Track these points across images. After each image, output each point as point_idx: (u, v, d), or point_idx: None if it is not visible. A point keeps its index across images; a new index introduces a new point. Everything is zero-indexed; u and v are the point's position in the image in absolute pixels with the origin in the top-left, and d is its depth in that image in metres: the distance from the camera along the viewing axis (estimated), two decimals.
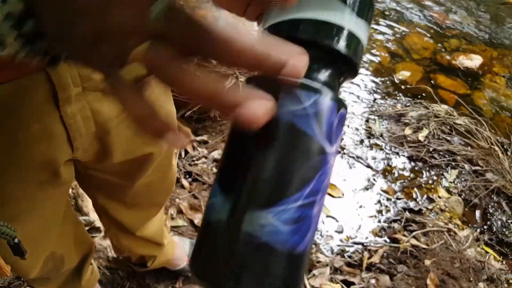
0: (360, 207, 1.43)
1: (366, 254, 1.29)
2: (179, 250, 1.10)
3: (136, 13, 0.18)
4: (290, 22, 0.23)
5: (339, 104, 0.22)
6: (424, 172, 1.58)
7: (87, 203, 1.21)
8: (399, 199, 1.48)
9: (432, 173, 1.57)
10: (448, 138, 1.67)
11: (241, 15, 0.34)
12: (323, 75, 0.23)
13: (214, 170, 1.43)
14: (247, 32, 0.18)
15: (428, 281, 1.23)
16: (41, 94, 0.42)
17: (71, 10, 0.18)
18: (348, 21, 0.23)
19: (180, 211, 1.30)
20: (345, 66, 0.24)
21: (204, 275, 0.22)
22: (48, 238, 0.64)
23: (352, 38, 0.23)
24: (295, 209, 0.21)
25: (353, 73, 0.25)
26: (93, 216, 1.20)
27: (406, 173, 1.56)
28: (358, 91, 1.86)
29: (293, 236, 0.21)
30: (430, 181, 1.55)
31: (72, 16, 0.18)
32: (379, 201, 1.46)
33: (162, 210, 0.93)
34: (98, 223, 1.19)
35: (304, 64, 0.19)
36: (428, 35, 2.28)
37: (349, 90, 1.85)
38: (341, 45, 0.22)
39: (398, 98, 1.86)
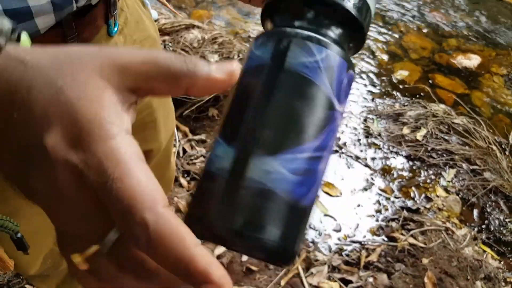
0: (358, 206, 1.44)
1: (364, 252, 1.29)
2: None
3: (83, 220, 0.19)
4: None
5: (349, 64, 0.23)
6: (422, 171, 1.58)
7: None
8: (397, 198, 1.48)
9: (430, 172, 1.58)
10: (446, 137, 1.68)
11: (247, 2, 0.35)
12: (334, 32, 0.24)
13: None
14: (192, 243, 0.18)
15: (426, 280, 1.23)
16: None
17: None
18: None
19: (178, 210, 1.31)
20: (353, 29, 0.24)
21: (200, 224, 0.21)
22: (48, 234, 0.64)
23: (363, 3, 0.24)
24: (303, 160, 0.21)
25: (361, 40, 0.26)
26: None
27: (404, 173, 1.57)
28: (357, 90, 1.87)
29: (298, 187, 0.21)
30: (428, 180, 1.55)
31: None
32: (377, 200, 1.46)
33: None
34: None
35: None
36: (427, 34, 2.29)
37: None
38: (352, 5, 0.23)
39: (396, 97, 1.86)
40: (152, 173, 0.19)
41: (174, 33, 1.49)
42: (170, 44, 1.44)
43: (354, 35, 0.25)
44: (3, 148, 0.20)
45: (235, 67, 0.22)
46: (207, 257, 0.17)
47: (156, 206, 0.17)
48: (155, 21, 0.64)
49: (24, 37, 0.22)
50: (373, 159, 1.59)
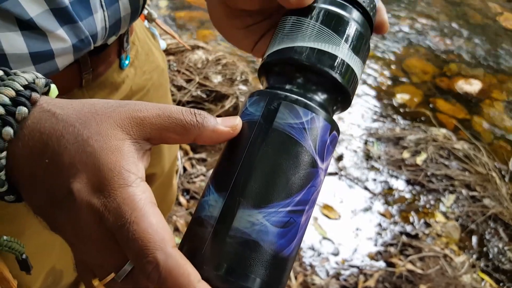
0: (357, 229, 1.44)
1: (361, 277, 1.29)
2: None
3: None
4: (292, 48, 0.26)
5: (333, 126, 0.25)
6: (421, 196, 1.58)
7: None
8: (396, 222, 1.48)
9: (430, 197, 1.58)
10: (446, 162, 1.68)
11: (250, 52, 0.37)
12: (321, 97, 0.26)
13: None
14: None
15: None
16: None
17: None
18: (346, 55, 0.26)
19: (176, 229, 1.31)
20: (339, 95, 0.27)
21: (192, 263, 0.23)
22: (51, 252, 0.65)
23: (348, 70, 0.26)
24: (285, 213, 0.23)
25: (346, 103, 0.28)
26: None
27: (404, 197, 1.57)
28: (358, 113, 1.88)
29: (280, 239, 0.23)
30: (428, 206, 1.55)
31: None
32: (376, 224, 1.46)
33: None
34: None
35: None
36: (428, 59, 2.32)
37: (348, 111, 1.87)
38: (339, 74, 0.25)
39: (397, 121, 1.88)
40: (162, 216, 0.22)
41: (179, 54, 1.52)
42: (174, 64, 1.47)
43: (340, 100, 0.27)
44: (36, 189, 0.23)
45: (238, 122, 0.25)
46: None
47: (166, 247, 0.20)
48: (164, 51, 0.66)
49: (53, 87, 0.26)
50: (372, 182, 1.60)
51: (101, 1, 0.37)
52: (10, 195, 0.24)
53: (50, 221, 0.23)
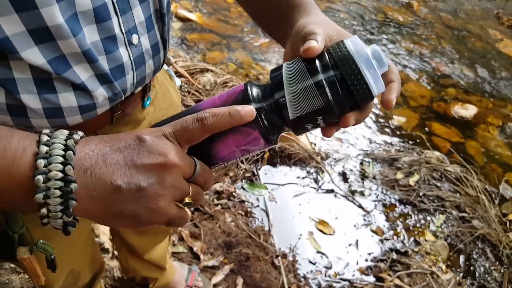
0: (350, 245, 1.53)
1: None
2: (178, 274, 1.21)
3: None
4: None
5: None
6: (413, 215, 1.67)
7: (99, 226, 1.34)
8: (387, 239, 1.57)
9: (421, 216, 1.67)
10: (438, 184, 1.77)
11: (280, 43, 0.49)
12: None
13: (216, 201, 1.55)
14: None
15: None
16: None
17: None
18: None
19: (181, 238, 1.41)
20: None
21: None
22: (73, 254, 0.76)
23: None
24: None
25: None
26: (103, 238, 1.32)
27: (396, 215, 1.66)
28: (355, 134, 1.99)
29: None
30: (418, 225, 1.64)
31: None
32: (368, 241, 1.55)
33: (167, 237, 1.05)
34: (107, 245, 1.31)
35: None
36: (427, 83, 2.42)
37: (346, 132, 1.98)
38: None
39: (392, 143, 1.98)
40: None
41: (189, 75, 1.64)
42: (185, 85, 1.59)
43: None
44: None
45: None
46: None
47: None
48: (179, 88, 0.79)
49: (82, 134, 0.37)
50: (367, 200, 1.69)
51: (132, 65, 0.49)
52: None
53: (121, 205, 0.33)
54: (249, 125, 0.35)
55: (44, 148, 0.31)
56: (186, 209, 0.36)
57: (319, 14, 0.46)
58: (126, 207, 0.32)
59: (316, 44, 0.35)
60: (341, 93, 0.34)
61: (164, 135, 0.34)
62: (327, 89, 0.34)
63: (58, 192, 0.30)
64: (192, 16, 2.55)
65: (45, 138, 0.32)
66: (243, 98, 0.36)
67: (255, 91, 0.37)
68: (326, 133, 0.39)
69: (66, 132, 0.33)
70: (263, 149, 0.38)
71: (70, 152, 0.31)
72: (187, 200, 0.35)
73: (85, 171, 0.32)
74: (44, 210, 0.31)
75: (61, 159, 0.31)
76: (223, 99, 0.37)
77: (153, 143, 0.33)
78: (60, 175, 0.30)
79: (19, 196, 0.31)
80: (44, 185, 0.30)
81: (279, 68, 0.37)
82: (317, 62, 0.35)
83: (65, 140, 0.32)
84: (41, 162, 0.30)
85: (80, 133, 0.34)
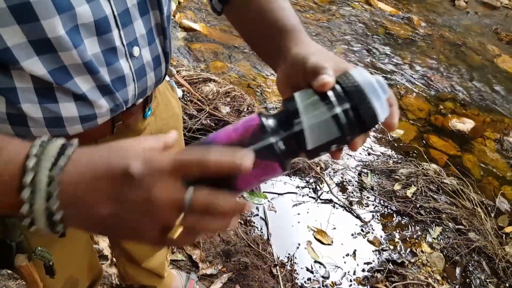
0: (347, 255, 1.55)
1: None
2: (176, 282, 1.22)
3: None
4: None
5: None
6: (409, 226, 1.69)
7: None
8: (384, 250, 1.59)
9: (417, 228, 1.69)
10: (435, 196, 1.80)
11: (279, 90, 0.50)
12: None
13: None
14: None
15: None
16: None
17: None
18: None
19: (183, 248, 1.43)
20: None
21: None
22: (71, 262, 0.77)
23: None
24: None
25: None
26: (102, 245, 1.34)
27: (393, 226, 1.68)
28: None
29: None
30: (415, 236, 1.66)
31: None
32: (365, 251, 1.57)
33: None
34: (106, 252, 1.32)
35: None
36: (425, 97, 2.46)
37: None
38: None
39: (390, 155, 2.00)
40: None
41: (192, 85, 1.67)
42: (188, 94, 1.62)
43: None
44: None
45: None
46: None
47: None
48: (180, 98, 0.80)
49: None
50: (364, 211, 1.71)
51: (133, 77, 0.50)
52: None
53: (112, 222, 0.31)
54: (268, 158, 0.36)
55: (28, 179, 0.30)
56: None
57: (311, 42, 0.46)
58: (110, 231, 0.33)
59: (331, 79, 0.37)
60: (355, 123, 0.37)
61: (158, 170, 0.31)
62: (343, 121, 0.36)
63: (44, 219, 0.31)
64: (196, 26, 2.59)
65: (31, 162, 0.31)
66: (260, 132, 0.36)
67: (272, 124, 0.37)
68: (336, 156, 0.40)
69: (55, 151, 0.31)
70: (277, 176, 0.39)
71: (54, 185, 0.30)
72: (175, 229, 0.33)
73: (70, 203, 0.31)
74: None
75: (44, 192, 0.30)
76: (239, 133, 0.36)
77: (141, 180, 0.31)
78: (44, 206, 0.31)
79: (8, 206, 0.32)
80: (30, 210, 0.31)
81: (291, 99, 0.38)
82: (331, 95, 0.37)
83: (52, 165, 0.31)
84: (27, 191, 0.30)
85: (71, 149, 0.32)
